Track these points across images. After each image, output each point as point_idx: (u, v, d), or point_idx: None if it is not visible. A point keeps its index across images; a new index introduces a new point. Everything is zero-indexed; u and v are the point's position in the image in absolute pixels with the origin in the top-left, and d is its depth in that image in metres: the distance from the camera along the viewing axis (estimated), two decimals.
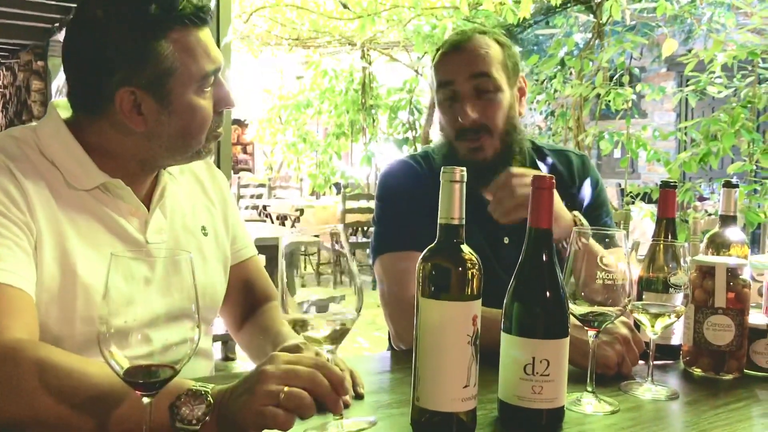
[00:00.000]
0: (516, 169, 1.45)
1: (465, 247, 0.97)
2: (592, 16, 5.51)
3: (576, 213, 1.47)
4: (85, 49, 1.14)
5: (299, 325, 0.96)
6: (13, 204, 1.07)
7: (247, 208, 9.54)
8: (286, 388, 0.85)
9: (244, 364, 4.27)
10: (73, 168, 1.14)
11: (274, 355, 0.92)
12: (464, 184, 0.96)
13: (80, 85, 1.16)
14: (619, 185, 7.96)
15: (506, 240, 1.62)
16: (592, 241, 1.13)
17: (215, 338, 3.24)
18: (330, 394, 0.88)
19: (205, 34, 1.16)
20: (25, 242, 1.06)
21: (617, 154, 7.82)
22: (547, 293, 1.03)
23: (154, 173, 1.24)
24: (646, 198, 5.16)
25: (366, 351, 4.76)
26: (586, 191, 1.69)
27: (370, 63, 9.10)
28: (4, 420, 0.89)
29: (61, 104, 1.20)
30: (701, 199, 5.76)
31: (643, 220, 4.68)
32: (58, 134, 1.16)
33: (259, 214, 9.39)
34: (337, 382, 0.89)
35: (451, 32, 5.72)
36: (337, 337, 0.96)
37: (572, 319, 1.08)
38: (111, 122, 1.15)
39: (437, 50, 1.62)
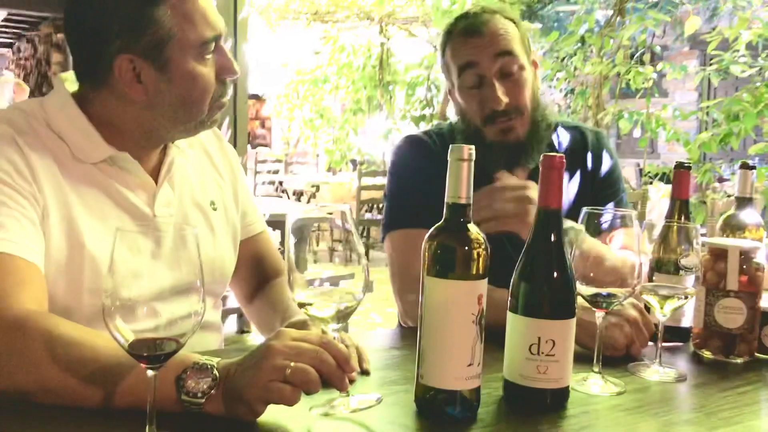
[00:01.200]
0: (505, 181, 1.40)
1: (472, 226, 0.96)
2: None
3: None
4: (84, 16, 1.13)
5: (304, 304, 0.97)
6: (19, 175, 1.07)
7: (263, 183, 9.55)
8: (292, 364, 0.86)
9: (258, 337, 4.31)
10: (80, 141, 1.14)
11: (280, 331, 0.92)
12: (472, 163, 0.95)
13: (81, 55, 1.16)
14: (638, 165, 7.88)
15: None
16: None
17: (230, 311, 3.26)
18: (336, 371, 0.89)
19: (205, 0, 1.14)
20: (32, 213, 1.07)
21: (637, 133, 7.72)
22: (555, 273, 1.02)
23: (160, 146, 1.24)
24: (665, 178, 5.10)
25: (379, 327, 4.78)
26: (600, 165, 1.66)
27: (388, 38, 9.03)
28: (11, 389, 0.91)
29: (69, 78, 1.20)
30: (721, 180, 5.68)
31: (661, 200, 4.65)
32: (65, 107, 1.16)
33: (276, 190, 9.42)
34: (342, 359, 0.90)
35: (470, 7, 5.63)
36: (343, 316, 0.96)
37: (581, 301, 1.08)
38: (113, 93, 1.14)
39: (446, 35, 1.59)
